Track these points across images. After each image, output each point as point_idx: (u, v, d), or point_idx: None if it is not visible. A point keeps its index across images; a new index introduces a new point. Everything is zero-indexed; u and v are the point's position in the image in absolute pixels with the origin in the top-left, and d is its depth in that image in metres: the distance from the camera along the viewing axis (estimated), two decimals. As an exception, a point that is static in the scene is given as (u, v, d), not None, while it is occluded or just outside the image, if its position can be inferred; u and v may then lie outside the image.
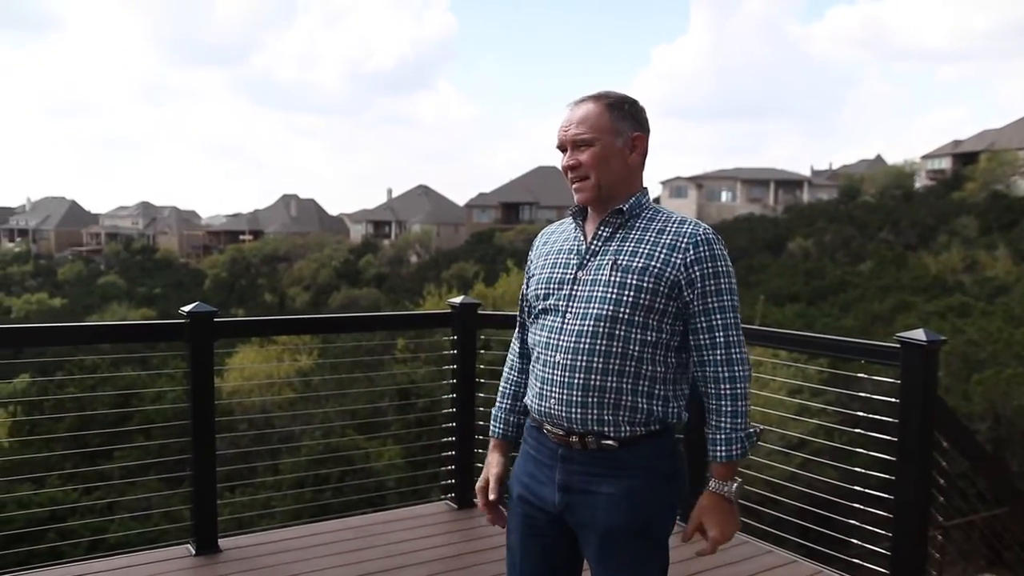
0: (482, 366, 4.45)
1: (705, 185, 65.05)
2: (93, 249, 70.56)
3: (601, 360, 2.16)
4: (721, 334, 2.16)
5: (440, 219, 69.53)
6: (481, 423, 4.50)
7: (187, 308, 3.47)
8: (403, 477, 7.83)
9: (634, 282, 2.15)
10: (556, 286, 2.27)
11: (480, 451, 4.51)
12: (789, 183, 65.31)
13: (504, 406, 2.50)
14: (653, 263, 2.15)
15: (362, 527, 4.18)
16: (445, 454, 4.56)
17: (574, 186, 2.26)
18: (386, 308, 38.04)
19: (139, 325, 3.74)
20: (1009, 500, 4.12)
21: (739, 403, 2.17)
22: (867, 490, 3.63)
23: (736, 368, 2.17)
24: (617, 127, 2.22)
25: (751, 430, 2.18)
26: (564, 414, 2.21)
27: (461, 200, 74.35)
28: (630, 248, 2.20)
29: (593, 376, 2.16)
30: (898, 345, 3.30)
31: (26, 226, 74.42)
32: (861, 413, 3.76)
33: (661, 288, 2.14)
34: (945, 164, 62.26)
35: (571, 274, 2.25)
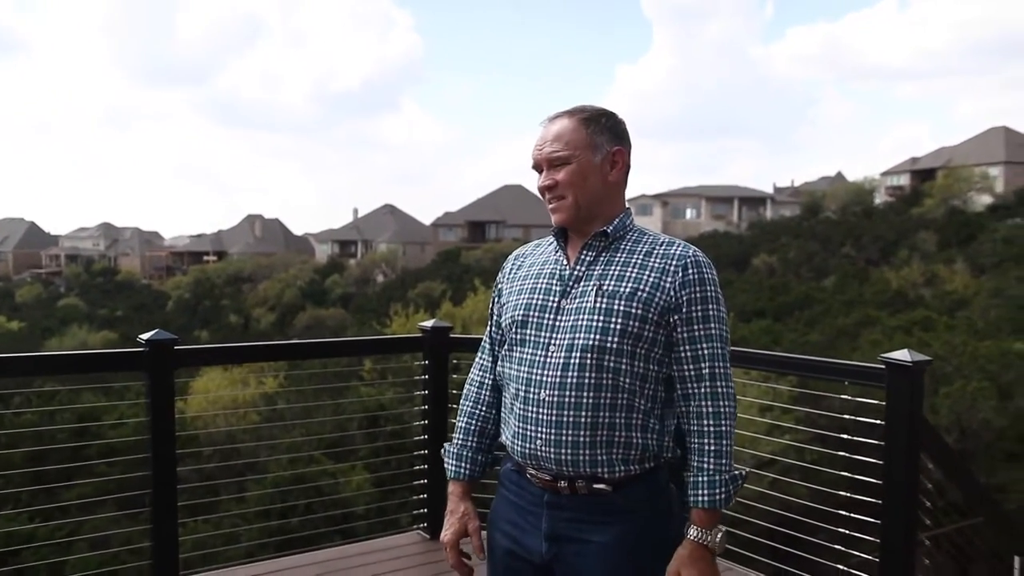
0: (454, 391, 4.33)
1: (670, 203, 65.57)
2: (53, 271, 69.36)
3: (592, 394, 1.98)
4: (707, 365, 2.00)
5: (406, 238, 69.33)
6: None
7: (146, 336, 3.34)
8: (372, 507, 7.64)
9: (621, 308, 2.00)
10: (536, 314, 2.09)
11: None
12: (752, 200, 66.05)
13: (470, 444, 2.26)
14: (641, 288, 2.01)
15: (330, 561, 4.03)
16: (417, 482, 4.41)
17: (551, 207, 2.12)
18: (352, 328, 37.71)
19: (96, 354, 3.58)
20: (982, 511, 4.11)
21: (723, 442, 1.99)
22: (851, 514, 3.55)
23: (721, 403, 2.00)
24: (595, 142, 2.08)
25: (736, 472, 2.00)
26: (553, 456, 2.01)
27: (428, 220, 74.30)
28: (616, 272, 2.05)
29: (584, 413, 1.98)
30: (883, 366, 3.23)
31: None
32: (845, 436, 3.69)
33: (650, 315, 1.99)
34: (904, 180, 63.38)
35: (553, 302, 2.08)
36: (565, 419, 2.00)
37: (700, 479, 1.98)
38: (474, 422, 2.27)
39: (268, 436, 10.63)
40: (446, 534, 2.21)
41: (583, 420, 1.99)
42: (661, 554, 2.00)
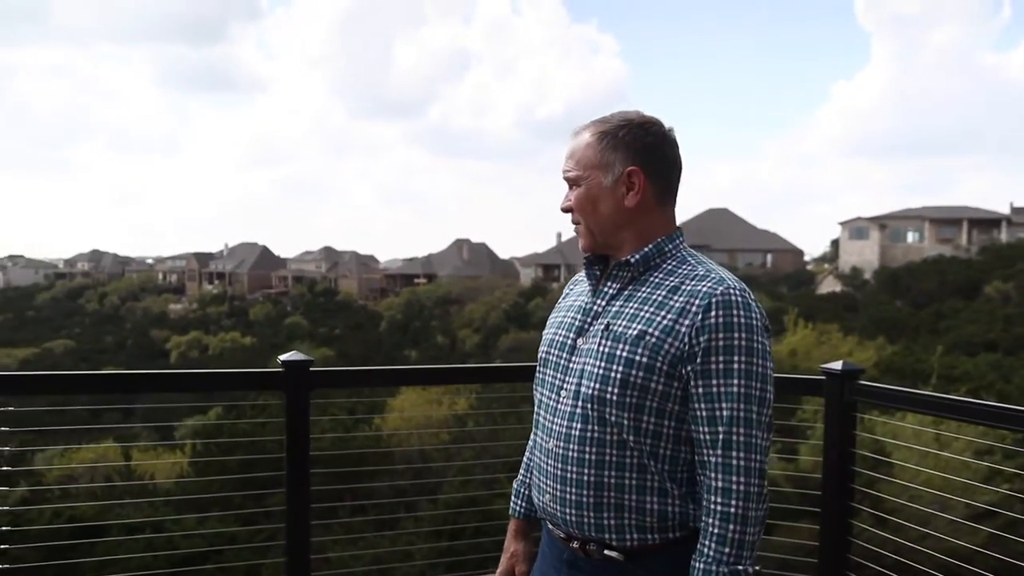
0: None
1: (889, 225, 61.51)
2: (281, 291, 74.94)
3: (595, 450, 1.74)
4: (723, 430, 1.66)
5: (608, 262, 69.04)
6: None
7: (284, 356, 3.42)
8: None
9: (624, 354, 1.72)
10: (556, 352, 1.88)
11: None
12: (984, 222, 60.62)
13: (526, 480, 2.08)
14: (651, 331, 1.72)
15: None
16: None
17: (574, 230, 1.90)
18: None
19: (240, 373, 3.74)
20: None
21: (730, 527, 1.65)
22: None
23: (735, 479, 1.65)
24: (605, 161, 1.80)
25: (739, 568, 1.65)
26: (559, 514, 1.82)
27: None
28: (631, 311, 1.77)
29: (587, 470, 1.75)
30: None
31: (223, 270, 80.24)
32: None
33: (658, 364, 1.70)
34: None
35: (571, 340, 1.85)
36: (569, 475, 1.78)
37: (696, 566, 1.68)
38: (529, 455, 2.09)
39: (455, 455, 10.84)
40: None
41: (586, 479, 1.76)
42: None
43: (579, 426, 1.77)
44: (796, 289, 52.66)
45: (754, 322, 1.70)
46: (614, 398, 1.72)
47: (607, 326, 1.78)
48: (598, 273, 1.90)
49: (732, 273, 1.80)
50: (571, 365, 1.83)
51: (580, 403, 1.77)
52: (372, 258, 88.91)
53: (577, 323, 1.86)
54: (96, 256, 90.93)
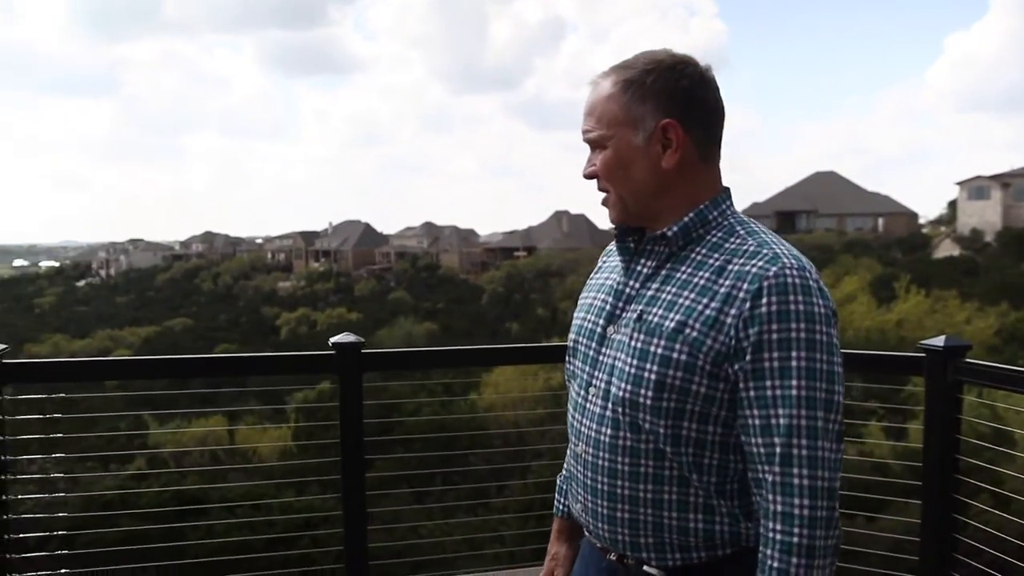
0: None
1: (1013, 184, 58.00)
2: (384, 267, 76.26)
3: (628, 460, 1.48)
4: (781, 441, 1.37)
5: (711, 230, 67.65)
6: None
7: (336, 339, 3.36)
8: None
9: (659, 351, 1.44)
10: (584, 341, 1.61)
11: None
12: (1120, 177, 56.54)
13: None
14: (691, 323, 1.42)
15: None
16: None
17: (602, 200, 1.59)
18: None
19: (294, 356, 3.72)
20: None
21: (792, 559, 1.36)
22: None
23: (797, 501, 1.36)
24: (635, 114, 1.48)
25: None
26: (592, 526, 1.58)
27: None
28: (668, 297, 1.47)
29: (620, 482, 1.49)
30: None
31: (328, 247, 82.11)
32: None
33: (700, 363, 1.41)
34: None
35: (600, 328, 1.57)
36: (600, 487, 1.53)
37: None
38: None
39: (542, 435, 10.75)
40: None
41: (619, 492, 1.50)
42: None
43: (609, 432, 1.51)
44: (910, 254, 50.39)
45: (817, 309, 1.40)
46: (648, 403, 1.45)
47: (640, 315, 1.50)
48: (632, 247, 1.59)
49: (794, 248, 1.49)
50: (601, 358, 1.55)
51: (611, 406, 1.51)
52: (472, 232, 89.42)
53: (608, 308, 1.57)
54: (209, 238, 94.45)
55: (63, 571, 3.32)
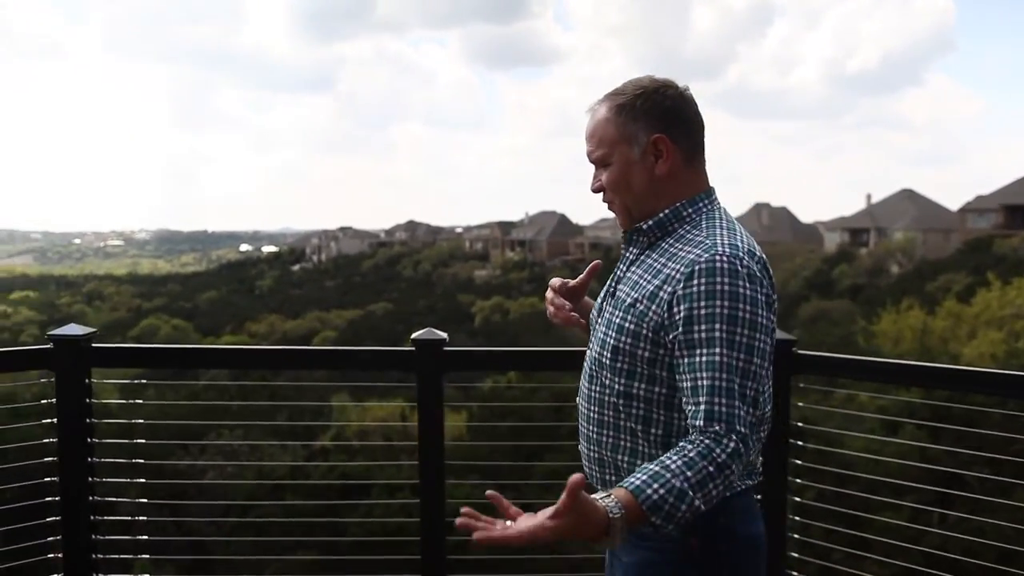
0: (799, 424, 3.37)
1: None
2: (578, 258, 76.44)
3: (597, 410, 1.86)
4: (704, 399, 1.63)
5: (926, 225, 63.01)
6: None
7: (417, 335, 3.23)
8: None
9: (617, 320, 1.80)
10: (594, 316, 1.95)
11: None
12: None
13: None
14: (641, 298, 1.76)
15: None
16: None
17: (608, 207, 1.89)
18: (859, 321, 35.42)
19: (374, 351, 3.51)
20: None
21: (702, 462, 1.58)
22: None
23: (713, 436, 1.61)
24: (629, 132, 1.79)
25: (691, 494, 1.55)
26: (586, 468, 1.93)
27: (954, 205, 66.65)
28: (636, 278, 1.81)
29: (592, 428, 1.87)
30: None
31: (524, 237, 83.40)
32: None
33: (644, 331, 1.74)
34: None
35: (600, 303, 1.94)
36: (584, 431, 1.91)
37: (650, 467, 1.59)
38: None
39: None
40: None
41: (593, 435, 1.88)
42: None
43: (587, 385, 1.89)
44: None
45: (741, 290, 1.67)
46: (607, 362, 1.81)
47: (615, 292, 1.86)
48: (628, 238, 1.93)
49: (748, 239, 1.78)
50: (596, 327, 1.90)
51: (590, 365, 1.89)
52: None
53: (608, 287, 1.92)
54: (412, 226, 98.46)
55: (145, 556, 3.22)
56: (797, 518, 3.36)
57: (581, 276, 2.07)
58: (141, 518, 3.39)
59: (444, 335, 3.24)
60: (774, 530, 3.24)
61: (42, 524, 3.35)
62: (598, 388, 1.82)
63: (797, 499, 3.34)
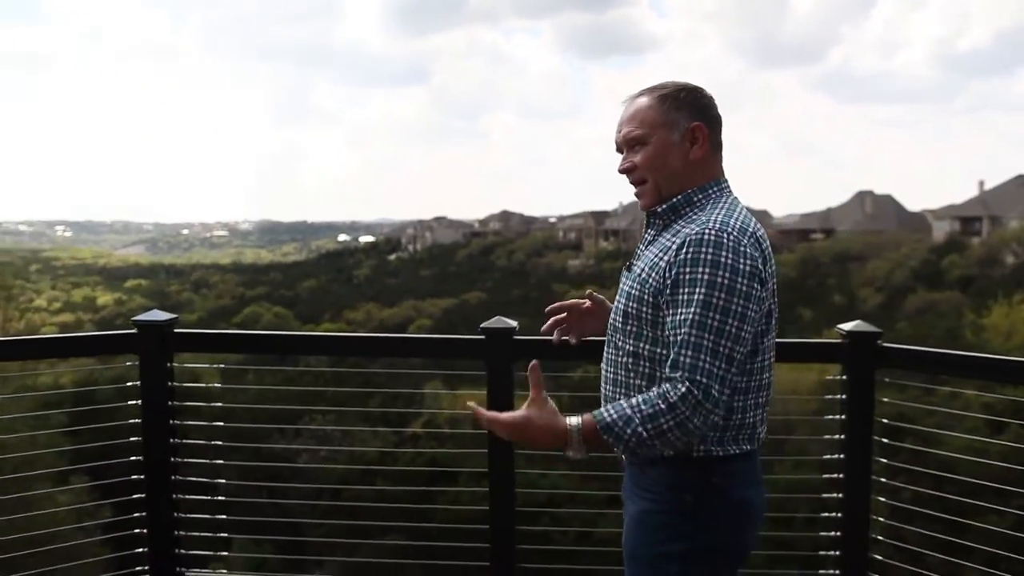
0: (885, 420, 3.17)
1: None
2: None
3: (611, 370, 2.08)
4: (677, 351, 1.86)
5: (1046, 213, 59.75)
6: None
7: (487, 324, 3.24)
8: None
9: (627, 288, 2.03)
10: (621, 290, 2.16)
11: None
12: None
13: None
14: (646, 268, 1.98)
15: None
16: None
17: (635, 192, 2.09)
18: (969, 314, 33.91)
19: (442, 339, 3.50)
20: None
21: (659, 404, 1.84)
22: None
23: (674, 383, 1.85)
24: (671, 119, 2.01)
25: (644, 435, 1.83)
26: None
27: (1076, 191, 62.95)
28: (650, 254, 2.01)
29: (608, 387, 2.08)
30: None
31: (617, 227, 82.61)
32: None
33: (645, 296, 1.97)
34: None
35: (622, 279, 2.12)
36: (603, 392, 2.10)
37: (618, 403, 1.91)
38: None
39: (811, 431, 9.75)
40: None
41: (609, 394, 2.07)
42: (676, 545, 1.96)
43: (606, 350, 2.10)
44: None
45: (723, 260, 1.86)
46: (619, 326, 2.03)
47: (631, 267, 2.06)
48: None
49: (744, 219, 1.96)
50: (617, 299, 2.09)
51: (609, 331, 2.10)
52: (765, 213, 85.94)
53: (627, 264, 2.11)
54: (505, 216, 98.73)
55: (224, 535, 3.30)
56: (882, 519, 3.20)
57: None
58: (220, 498, 3.48)
59: (514, 323, 3.20)
60: (855, 531, 3.11)
61: (128, 501, 3.48)
62: (613, 351, 2.04)
63: (883, 499, 3.18)
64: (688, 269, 1.85)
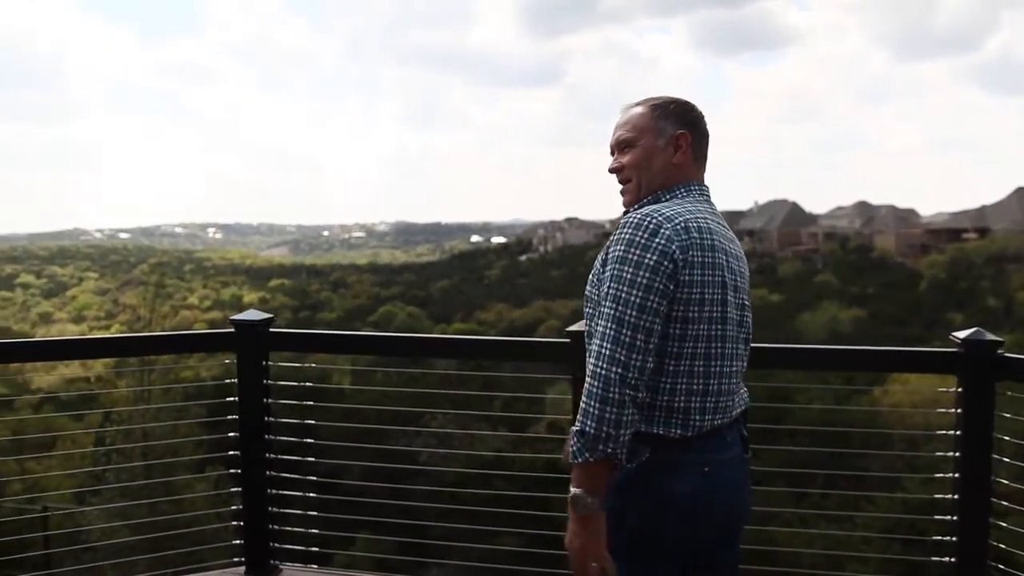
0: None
1: None
2: (811, 248, 72.89)
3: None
4: (601, 324, 1.99)
5: None
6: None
7: (573, 327, 3.14)
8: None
9: (589, 275, 2.18)
10: None
11: None
12: None
13: None
14: (602, 256, 2.12)
15: None
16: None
17: (620, 190, 2.22)
18: None
19: (526, 342, 3.42)
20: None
21: (587, 400, 1.95)
22: None
23: (595, 363, 1.96)
24: (659, 126, 2.17)
25: (578, 428, 1.94)
26: None
27: None
28: None
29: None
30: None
31: (752, 227, 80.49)
32: None
33: (593, 278, 2.12)
34: None
35: None
36: None
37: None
38: None
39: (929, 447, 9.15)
40: None
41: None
42: (613, 528, 2.00)
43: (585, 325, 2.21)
44: None
45: (638, 239, 1.97)
46: (584, 308, 2.17)
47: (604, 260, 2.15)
48: None
49: (684, 210, 2.05)
50: None
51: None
52: (912, 212, 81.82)
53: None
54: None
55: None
56: (1003, 545, 2.91)
57: None
58: (311, 495, 3.54)
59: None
60: (972, 558, 2.85)
61: (226, 493, 3.58)
62: (587, 327, 2.15)
63: (1003, 524, 2.89)
64: (612, 247, 2.00)
